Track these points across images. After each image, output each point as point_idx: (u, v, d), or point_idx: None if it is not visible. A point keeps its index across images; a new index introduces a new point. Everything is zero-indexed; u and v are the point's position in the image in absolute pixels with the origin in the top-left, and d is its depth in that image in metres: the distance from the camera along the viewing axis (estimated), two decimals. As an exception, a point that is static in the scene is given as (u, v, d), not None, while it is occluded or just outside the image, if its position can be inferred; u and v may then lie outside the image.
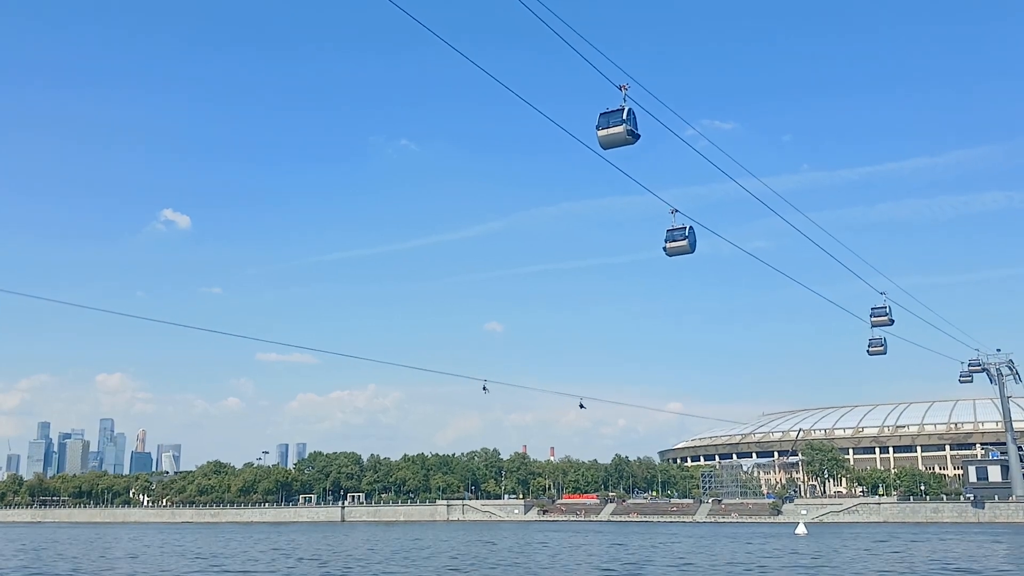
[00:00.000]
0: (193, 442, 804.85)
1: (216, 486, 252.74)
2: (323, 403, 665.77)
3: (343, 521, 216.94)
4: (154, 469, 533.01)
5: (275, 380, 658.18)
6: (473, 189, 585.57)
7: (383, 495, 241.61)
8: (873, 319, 62.35)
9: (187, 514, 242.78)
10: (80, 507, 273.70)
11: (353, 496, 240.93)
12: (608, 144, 31.75)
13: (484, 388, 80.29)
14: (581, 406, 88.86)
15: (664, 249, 41.42)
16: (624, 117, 31.17)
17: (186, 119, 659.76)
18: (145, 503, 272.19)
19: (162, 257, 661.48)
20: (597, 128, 31.58)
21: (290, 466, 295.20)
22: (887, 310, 61.99)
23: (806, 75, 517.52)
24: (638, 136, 31.58)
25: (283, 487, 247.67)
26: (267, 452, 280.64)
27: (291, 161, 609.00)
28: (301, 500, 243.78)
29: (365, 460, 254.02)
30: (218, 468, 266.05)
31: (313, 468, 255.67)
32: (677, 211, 40.82)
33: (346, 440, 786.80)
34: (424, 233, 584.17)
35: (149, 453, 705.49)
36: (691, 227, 40.99)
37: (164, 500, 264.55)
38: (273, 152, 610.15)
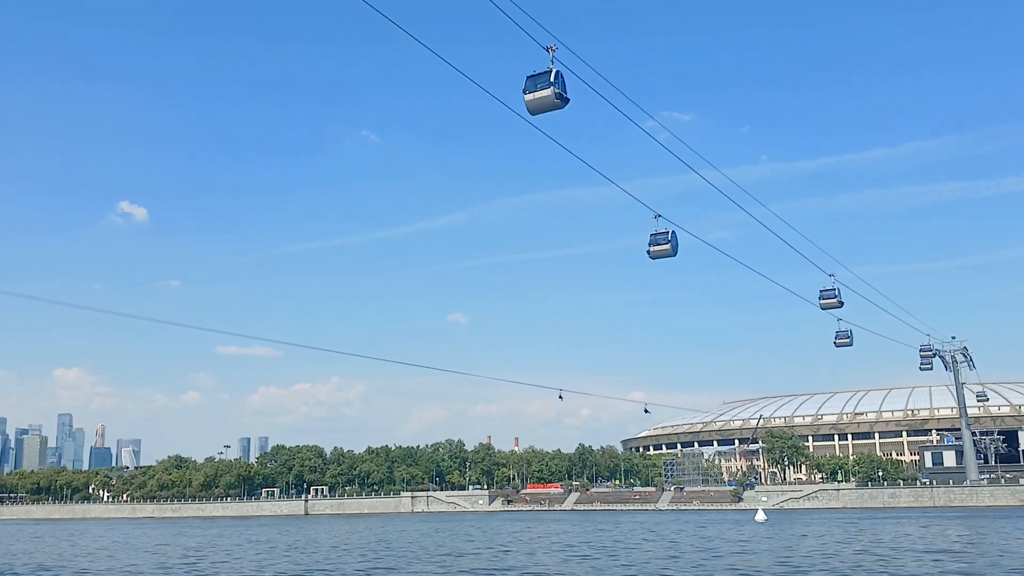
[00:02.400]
0: (153, 437, 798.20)
1: (177, 481, 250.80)
2: (285, 396, 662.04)
3: (307, 514, 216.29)
4: (114, 464, 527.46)
5: (236, 373, 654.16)
6: (436, 180, 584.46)
7: (347, 488, 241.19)
8: (822, 301, 62.55)
9: (148, 509, 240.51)
10: (38, 503, 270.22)
11: (317, 489, 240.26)
12: (536, 109, 29.75)
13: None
14: (560, 397, 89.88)
15: (648, 252, 43.48)
16: (552, 79, 29.15)
17: (143, 111, 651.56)
18: (105, 499, 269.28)
19: (119, 250, 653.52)
20: (524, 92, 29.72)
21: (252, 460, 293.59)
22: (836, 292, 62.16)
23: (764, 66, 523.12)
24: (567, 100, 29.70)
25: (245, 481, 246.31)
26: (228, 446, 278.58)
27: (249, 152, 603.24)
28: (264, 494, 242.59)
29: (328, 453, 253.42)
30: (179, 463, 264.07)
31: (276, 462, 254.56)
32: (660, 216, 42.83)
33: (309, 433, 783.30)
34: (386, 225, 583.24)
35: (109, 448, 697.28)
36: (673, 231, 42.98)
37: (124, 495, 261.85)
38: (231, 144, 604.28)
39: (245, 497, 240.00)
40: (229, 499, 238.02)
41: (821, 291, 62.60)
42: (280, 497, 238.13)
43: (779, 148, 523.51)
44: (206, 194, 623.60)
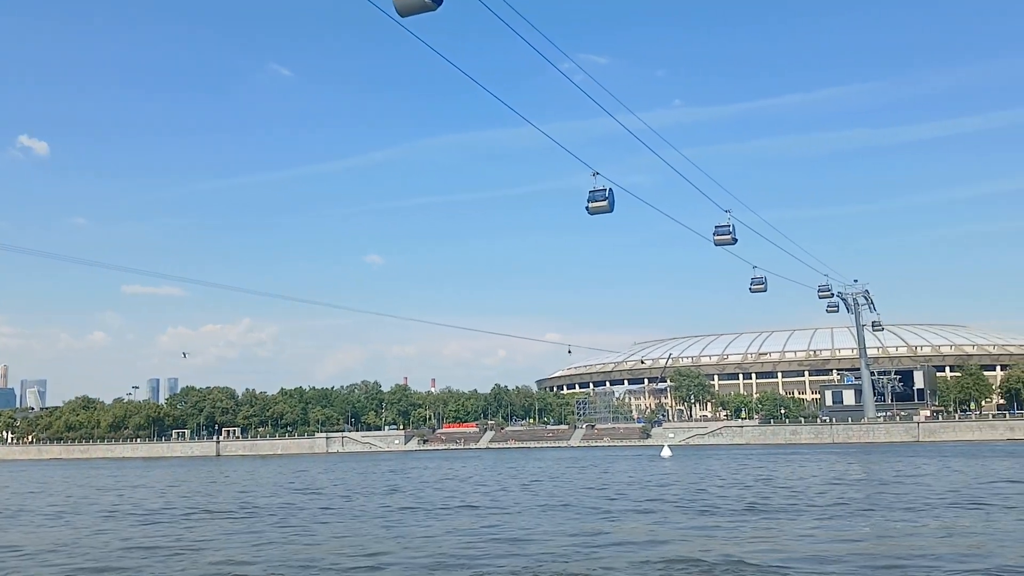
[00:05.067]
0: (59, 377, 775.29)
1: (85, 422, 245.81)
2: (195, 337, 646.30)
3: (219, 456, 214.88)
4: (18, 405, 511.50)
5: (143, 313, 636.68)
6: (352, 119, 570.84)
7: (260, 429, 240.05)
8: (716, 237, 62.07)
9: (55, 450, 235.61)
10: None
11: (229, 431, 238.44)
12: (405, 10, 25.24)
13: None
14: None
15: (587, 208, 45.13)
16: None
17: (39, 41, 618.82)
18: (9, 440, 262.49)
19: (20, 185, 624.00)
20: None
21: (162, 401, 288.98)
22: (730, 228, 61.77)
23: (679, 6, 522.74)
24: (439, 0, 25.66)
25: (155, 423, 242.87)
26: (137, 387, 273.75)
27: (154, 86, 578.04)
28: (175, 435, 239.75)
29: (241, 395, 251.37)
30: (86, 404, 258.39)
31: (186, 403, 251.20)
32: (598, 173, 44.37)
33: (220, 375, 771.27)
34: (300, 162, 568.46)
35: (12, 389, 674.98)
36: (611, 188, 44.70)
37: (30, 437, 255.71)
38: (135, 76, 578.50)
39: (155, 438, 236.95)
40: (139, 440, 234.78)
41: (716, 227, 62.14)
42: (191, 438, 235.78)
43: (694, 93, 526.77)
44: (110, 129, 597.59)
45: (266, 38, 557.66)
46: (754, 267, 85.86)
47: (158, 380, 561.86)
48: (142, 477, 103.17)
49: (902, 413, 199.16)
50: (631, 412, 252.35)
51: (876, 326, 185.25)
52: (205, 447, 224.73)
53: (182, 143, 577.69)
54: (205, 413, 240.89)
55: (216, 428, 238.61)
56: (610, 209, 45.02)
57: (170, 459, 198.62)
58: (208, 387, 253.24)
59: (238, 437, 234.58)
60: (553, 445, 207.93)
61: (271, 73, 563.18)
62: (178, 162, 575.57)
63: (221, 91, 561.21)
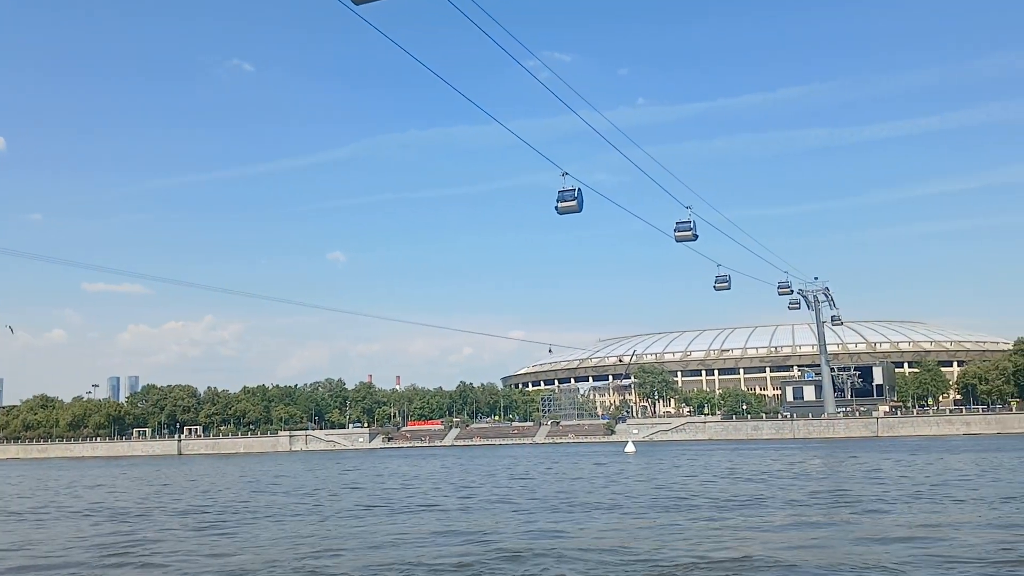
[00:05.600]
0: (16, 376, 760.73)
1: (43, 421, 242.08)
2: (156, 335, 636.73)
3: (180, 454, 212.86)
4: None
5: (103, 311, 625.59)
6: (316, 115, 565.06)
7: (222, 428, 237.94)
8: (677, 234, 61.66)
9: (12, 450, 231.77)
10: None
11: (190, 429, 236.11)
12: None
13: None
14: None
15: (556, 208, 46.02)
16: None
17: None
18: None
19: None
20: None
21: (122, 400, 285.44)
22: (691, 224, 61.35)
23: (641, 4, 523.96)
24: None
25: (115, 421, 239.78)
26: (97, 385, 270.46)
27: (114, 81, 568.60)
28: (135, 434, 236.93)
29: (202, 393, 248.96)
30: (45, 402, 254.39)
31: (147, 402, 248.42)
32: (567, 174, 45.10)
33: (182, 373, 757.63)
34: (262, 158, 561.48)
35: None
36: (579, 188, 45.46)
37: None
38: (95, 69, 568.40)
39: (115, 438, 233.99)
40: (99, 439, 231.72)
41: (677, 223, 61.72)
42: (152, 437, 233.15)
43: (657, 91, 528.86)
44: (69, 124, 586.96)
45: (228, 33, 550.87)
46: (719, 265, 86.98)
47: (118, 378, 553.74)
48: (84, 477, 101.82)
49: (862, 408, 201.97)
50: (596, 409, 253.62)
51: (835, 320, 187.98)
52: (166, 446, 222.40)
53: (143, 138, 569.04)
54: (166, 412, 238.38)
55: (178, 427, 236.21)
56: (579, 209, 45.91)
57: (131, 458, 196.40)
58: (169, 385, 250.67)
59: (200, 436, 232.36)
60: (518, 442, 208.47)
61: (233, 68, 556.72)
62: (139, 158, 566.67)
63: (183, 86, 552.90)
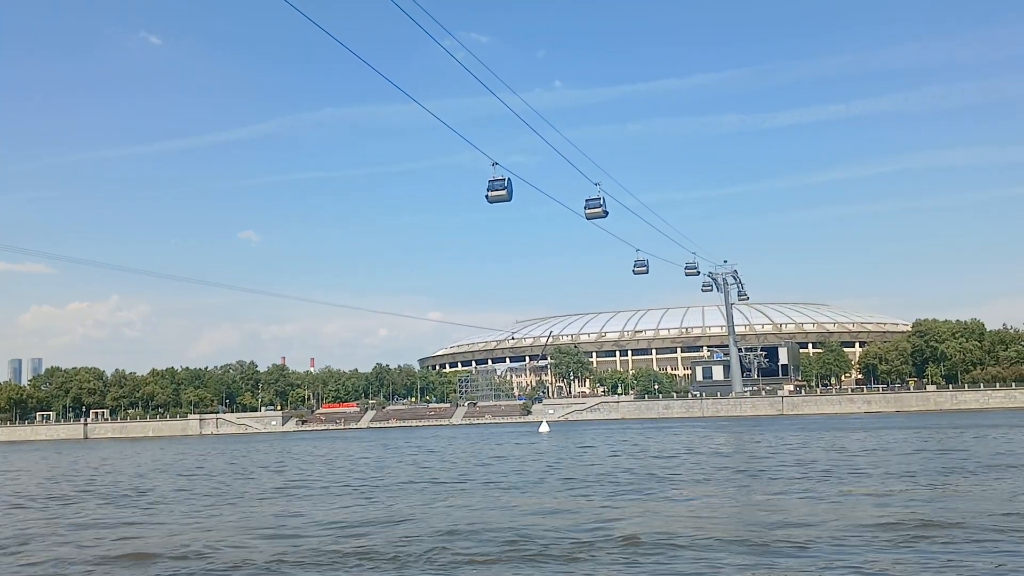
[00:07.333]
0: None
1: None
2: (60, 316, 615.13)
3: (86, 438, 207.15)
4: None
5: (3, 291, 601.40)
6: (228, 91, 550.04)
7: (130, 411, 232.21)
8: (587, 211, 61.77)
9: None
10: None
11: (96, 412, 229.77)
12: None
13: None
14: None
15: (486, 197, 47.63)
16: None
17: None
18: None
19: None
20: None
21: (25, 383, 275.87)
22: (601, 201, 61.44)
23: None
24: None
25: (17, 405, 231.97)
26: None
27: (18, 52, 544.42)
28: (38, 417, 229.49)
29: (109, 375, 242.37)
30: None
31: (51, 384, 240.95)
32: (497, 164, 46.35)
33: (88, 355, 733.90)
34: (172, 135, 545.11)
35: None
36: (509, 178, 47.06)
37: None
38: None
39: (17, 421, 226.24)
40: (0, 424, 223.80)
41: (587, 200, 61.76)
42: (57, 421, 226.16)
43: (574, 74, 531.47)
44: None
45: (134, 4, 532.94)
46: (637, 250, 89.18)
47: (20, 361, 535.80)
48: None
49: (768, 388, 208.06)
50: (512, 389, 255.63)
51: (741, 296, 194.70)
52: (72, 430, 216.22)
53: (48, 113, 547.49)
54: (71, 395, 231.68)
55: (83, 410, 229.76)
56: (509, 198, 46.91)
57: (34, 443, 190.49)
58: (74, 368, 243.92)
59: (107, 419, 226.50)
60: (435, 423, 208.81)
61: (140, 41, 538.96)
62: (43, 133, 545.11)
63: (89, 60, 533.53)
